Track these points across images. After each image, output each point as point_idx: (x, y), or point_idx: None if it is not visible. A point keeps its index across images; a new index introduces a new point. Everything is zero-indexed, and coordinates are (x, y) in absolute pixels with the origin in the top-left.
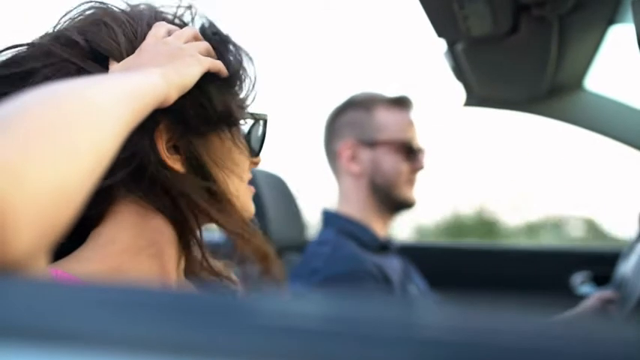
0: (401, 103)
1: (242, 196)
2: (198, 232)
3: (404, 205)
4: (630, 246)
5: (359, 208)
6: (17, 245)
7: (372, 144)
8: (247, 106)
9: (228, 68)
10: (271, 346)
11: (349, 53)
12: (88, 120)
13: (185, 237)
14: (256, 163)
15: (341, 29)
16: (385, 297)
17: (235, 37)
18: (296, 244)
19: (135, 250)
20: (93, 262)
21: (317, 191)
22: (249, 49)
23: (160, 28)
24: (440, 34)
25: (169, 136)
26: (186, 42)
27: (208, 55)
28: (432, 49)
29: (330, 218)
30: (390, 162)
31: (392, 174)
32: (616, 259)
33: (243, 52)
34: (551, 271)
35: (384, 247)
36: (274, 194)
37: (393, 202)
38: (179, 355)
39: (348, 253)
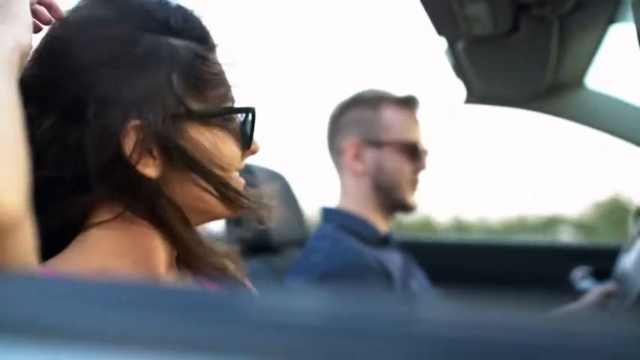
0: (408, 103)
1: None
2: (187, 233)
3: (404, 208)
4: (631, 241)
5: (360, 205)
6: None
7: (377, 144)
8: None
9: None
10: (270, 343)
11: (349, 51)
12: None
13: (171, 238)
14: (254, 152)
15: (341, 28)
16: (386, 292)
17: (237, 36)
18: (296, 240)
19: (120, 253)
20: (79, 263)
21: (317, 188)
22: (250, 49)
23: None
24: (440, 32)
25: (140, 139)
26: None
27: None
28: (433, 47)
29: (329, 214)
30: (395, 163)
31: (395, 175)
32: (616, 254)
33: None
34: (551, 267)
35: (385, 241)
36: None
37: (394, 204)
38: (176, 351)
39: (347, 248)
